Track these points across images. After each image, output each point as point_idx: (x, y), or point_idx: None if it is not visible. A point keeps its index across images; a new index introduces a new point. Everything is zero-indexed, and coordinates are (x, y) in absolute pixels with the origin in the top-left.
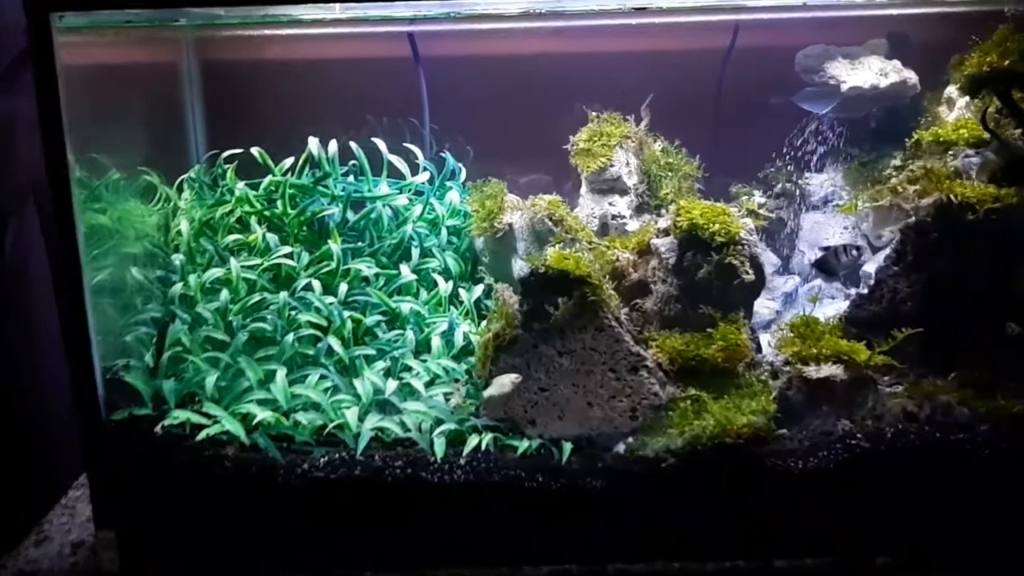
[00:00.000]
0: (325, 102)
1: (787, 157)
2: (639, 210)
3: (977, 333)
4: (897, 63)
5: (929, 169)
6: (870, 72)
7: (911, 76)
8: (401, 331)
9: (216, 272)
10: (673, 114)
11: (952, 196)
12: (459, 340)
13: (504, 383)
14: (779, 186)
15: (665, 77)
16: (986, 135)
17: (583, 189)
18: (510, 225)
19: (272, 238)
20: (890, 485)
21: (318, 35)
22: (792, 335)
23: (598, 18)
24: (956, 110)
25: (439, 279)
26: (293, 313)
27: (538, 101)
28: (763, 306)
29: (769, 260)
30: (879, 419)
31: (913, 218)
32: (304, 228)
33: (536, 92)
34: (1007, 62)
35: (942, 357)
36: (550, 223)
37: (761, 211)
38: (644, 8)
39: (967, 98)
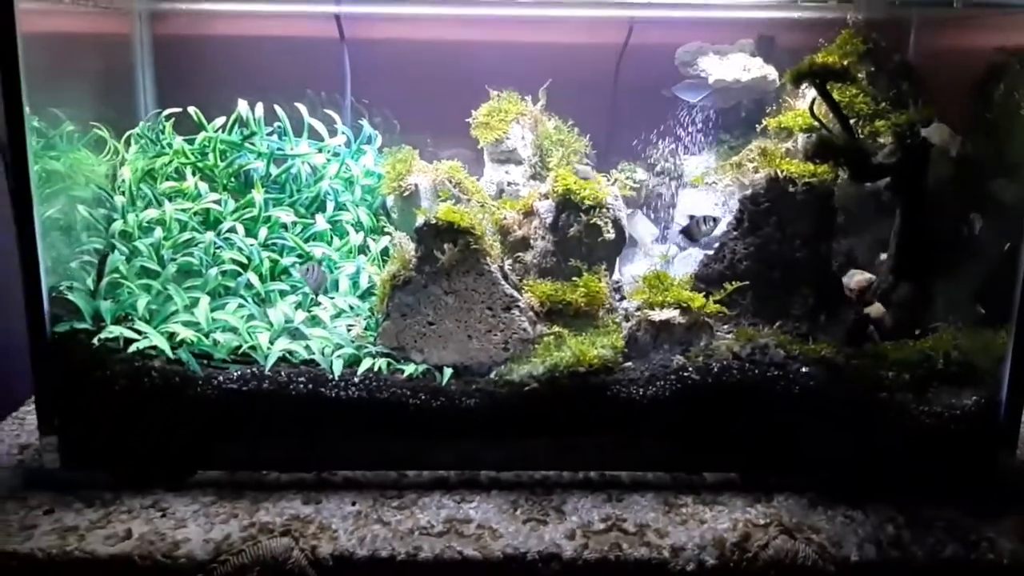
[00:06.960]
0: (265, 74)
1: (669, 140)
2: (533, 179)
3: (797, 290)
4: (760, 60)
5: (764, 149)
6: (735, 67)
7: (771, 72)
8: None
9: (152, 212)
10: (575, 100)
11: (779, 171)
12: (364, 282)
13: None
14: (659, 165)
15: (570, 66)
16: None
17: (485, 158)
18: (416, 185)
19: (203, 186)
20: (716, 411)
21: (260, 12)
22: (644, 286)
23: (508, 6)
24: (805, 101)
25: (351, 230)
26: (218, 251)
27: (462, 84)
28: (645, 269)
29: (648, 230)
30: (709, 356)
31: (750, 190)
32: (232, 179)
33: (461, 77)
34: (824, 60)
35: (770, 309)
36: (450, 184)
37: (628, 183)
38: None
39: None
